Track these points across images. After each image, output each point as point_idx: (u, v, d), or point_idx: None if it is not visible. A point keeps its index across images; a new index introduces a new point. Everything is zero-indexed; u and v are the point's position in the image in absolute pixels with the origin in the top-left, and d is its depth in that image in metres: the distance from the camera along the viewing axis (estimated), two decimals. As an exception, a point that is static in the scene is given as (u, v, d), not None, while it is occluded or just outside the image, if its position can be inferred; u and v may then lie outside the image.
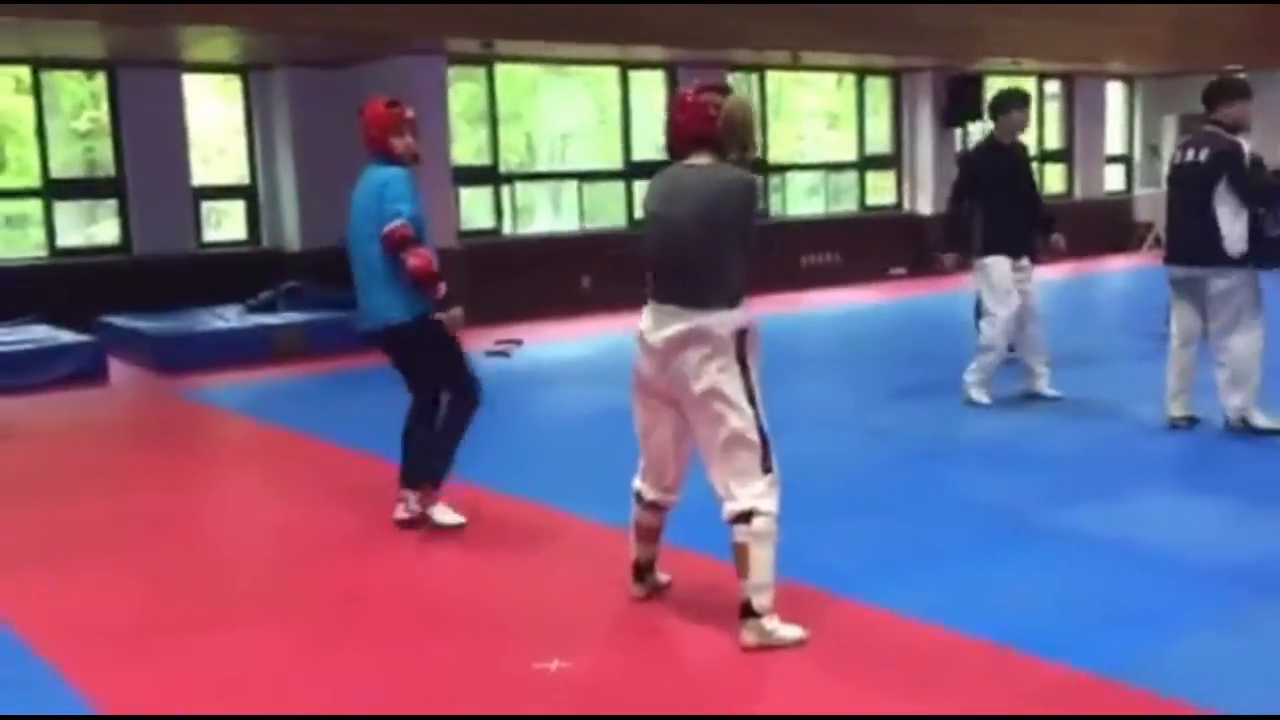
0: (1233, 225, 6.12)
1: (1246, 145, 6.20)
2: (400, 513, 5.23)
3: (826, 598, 4.18)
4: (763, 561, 3.76)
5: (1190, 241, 6.30)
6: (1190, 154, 6.35)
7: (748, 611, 3.77)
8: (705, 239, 3.78)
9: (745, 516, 3.76)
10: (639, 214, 13.93)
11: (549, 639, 3.91)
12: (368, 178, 5.13)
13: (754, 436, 3.77)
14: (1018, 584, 4.31)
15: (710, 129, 3.82)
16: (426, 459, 5.19)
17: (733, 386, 3.77)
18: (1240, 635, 3.82)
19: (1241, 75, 6.61)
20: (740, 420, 3.76)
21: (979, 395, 7.28)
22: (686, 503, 4.12)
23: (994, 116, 7.54)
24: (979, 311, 7.69)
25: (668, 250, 3.86)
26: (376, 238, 4.97)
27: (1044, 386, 7.43)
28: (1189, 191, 6.29)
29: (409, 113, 5.17)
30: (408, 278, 4.96)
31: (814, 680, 3.60)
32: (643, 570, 4.23)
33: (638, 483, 4.12)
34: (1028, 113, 7.57)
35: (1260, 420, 6.26)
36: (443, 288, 5.01)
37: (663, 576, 4.28)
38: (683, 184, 3.87)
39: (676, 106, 3.95)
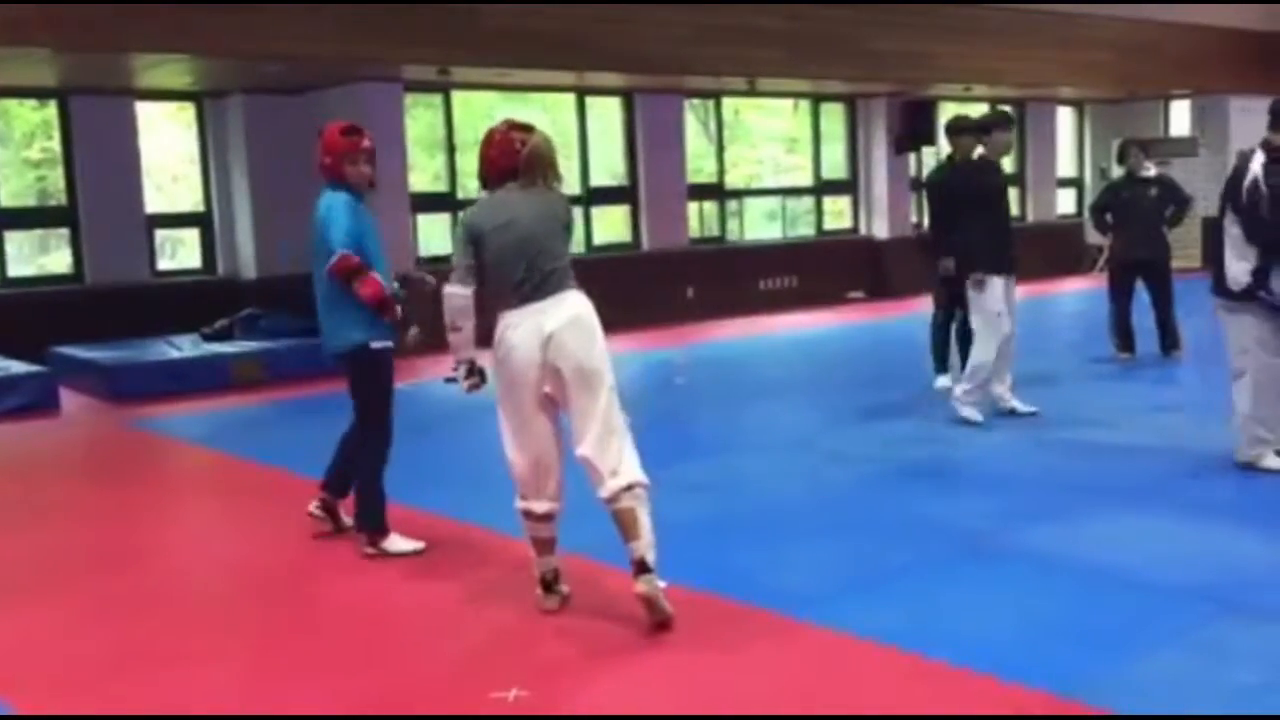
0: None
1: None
2: (312, 508, 5.46)
3: (785, 621, 4.17)
4: (646, 520, 4.12)
5: None
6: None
7: (643, 568, 4.05)
8: (552, 237, 4.31)
9: (629, 487, 4.11)
10: (597, 239, 14.08)
11: (507, 667, 3.89)
12: (317, 205, 5.14)
13: (622, 415, 4.19)
14: (976, 605, 4.33)
15: (514, 162, 4.31)
16: (360, 501, 5.24)
17: (607, 367, 4.20)
18: (1200, 653, 3.85)
19: None
20: (616, 400, 4.19)
21: (971, 413, 7.27)
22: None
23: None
24: (965, 332, 7.80)
25: (521, 255, 4.23)
26: (323, 265, 5.01)
27: (1016, 403, 7.50)
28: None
29: (366, 142, 5.14)
30: (358, 305, 4.99)
31: (773, 704, 3.60)
32: (549, 582, 4.39)
33: (521, 503, 4.36)
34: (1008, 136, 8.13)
35: (1270, 462, 5.90)
36: (398, 310, 5.06)
37: (564, 588, 4.42)
38: (510, 202, 4.33)
39: (487, 144, 4.41)
